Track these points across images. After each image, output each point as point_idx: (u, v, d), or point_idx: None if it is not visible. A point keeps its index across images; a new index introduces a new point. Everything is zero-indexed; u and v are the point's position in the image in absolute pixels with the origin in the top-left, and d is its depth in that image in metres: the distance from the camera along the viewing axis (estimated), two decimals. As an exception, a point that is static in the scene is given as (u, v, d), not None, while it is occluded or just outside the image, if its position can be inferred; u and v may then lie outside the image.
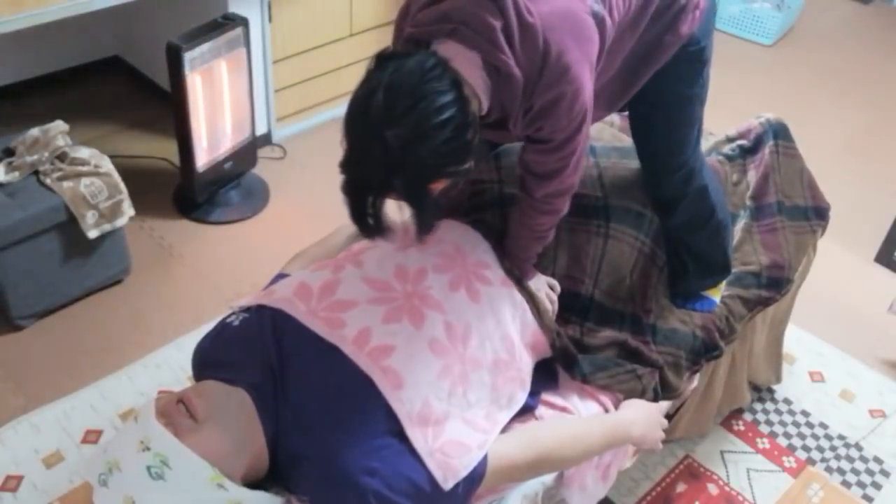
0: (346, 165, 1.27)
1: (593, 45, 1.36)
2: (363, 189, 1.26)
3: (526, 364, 1.58)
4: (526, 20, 1.27)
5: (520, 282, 1.63)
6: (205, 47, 2.58)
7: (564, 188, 1.52)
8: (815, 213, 2.11)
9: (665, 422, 1.67)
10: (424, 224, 1.31)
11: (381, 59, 1.24)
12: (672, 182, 1.78)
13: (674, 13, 1.53)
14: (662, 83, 1.62)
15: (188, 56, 2.52)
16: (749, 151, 2.13)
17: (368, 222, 1.29)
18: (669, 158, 1.76)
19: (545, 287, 1.68)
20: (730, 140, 2.17)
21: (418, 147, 1.19)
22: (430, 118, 1.19)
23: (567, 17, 1.32)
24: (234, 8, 2.84)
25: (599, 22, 1.37)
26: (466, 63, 1.27)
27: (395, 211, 1.36)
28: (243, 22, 2.70)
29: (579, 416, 1.62)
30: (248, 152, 3.01)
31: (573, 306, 1.73)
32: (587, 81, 1.36)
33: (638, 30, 1.51)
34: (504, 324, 1.54)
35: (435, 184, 1.27)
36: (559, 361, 1.65)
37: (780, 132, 2.14)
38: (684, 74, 1.63)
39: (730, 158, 2.11)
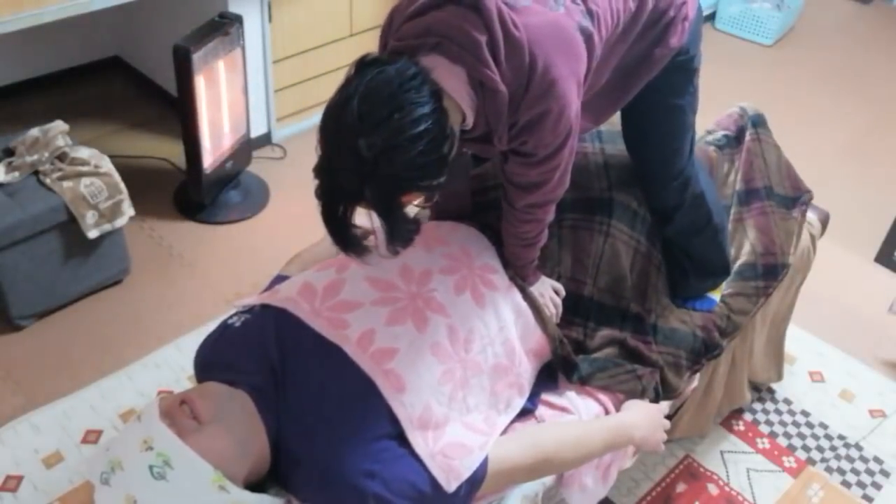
0: (319, 171, 1.22)
1: (580, 61, 1.34)
2: (335, 196, 1.22)
3: (525, 370, 1.57)
4: (512, 34, 1.25)
5: (523, 289, 1.62)
6: (208, 47, 2.58)
7: (547, 200, 1.50)
8: (794, 202, 2.10)
9: (667, 423, 1.67)
10: (395, 236, 1.27)
11: (361, 66, 1.21)
12: (669, 191, 1.78)
13: (663, 26, 1.52)
14: (653, 94, 1.60)
15: (195, 57, 2.52)
16: (735, 140, 2.13)
17: (338, 230, 1.25)
18: (665, 168, 1.75)
19: (549, 291, 1.68)
20: (709, 133, 2.16)
21: (391, 158, 1.16)
22: (404, 130, 1.16)
23: (554, 32, 1.30)
24: (233, 8, 2.84)
25: (587, 38, 1.35)
26: (451, 77, 1.24)
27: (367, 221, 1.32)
28: (238, 20, 2.71)
29: (580, 419, 1.62)
30: (244, 151, 3.03)
31: (577, 309, 1.73)
32: (574, 98, 1.33)
33: (626, 43, 1.49)
34: (507, 329, 1.54)
35: (407, 196, 1.24)
36: (559, 367, 1.65)
37: (757, 121, 2.13)
38: (675, 84, 1.62)
39: (720, 148, 2.11)
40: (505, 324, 1.54)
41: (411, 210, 1.28)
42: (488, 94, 1.27)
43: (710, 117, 2.15)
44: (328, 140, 1.21)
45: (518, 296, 1.59)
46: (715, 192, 1.93)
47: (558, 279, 1.72)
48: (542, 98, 1.29)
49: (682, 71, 1.61)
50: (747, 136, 2.11)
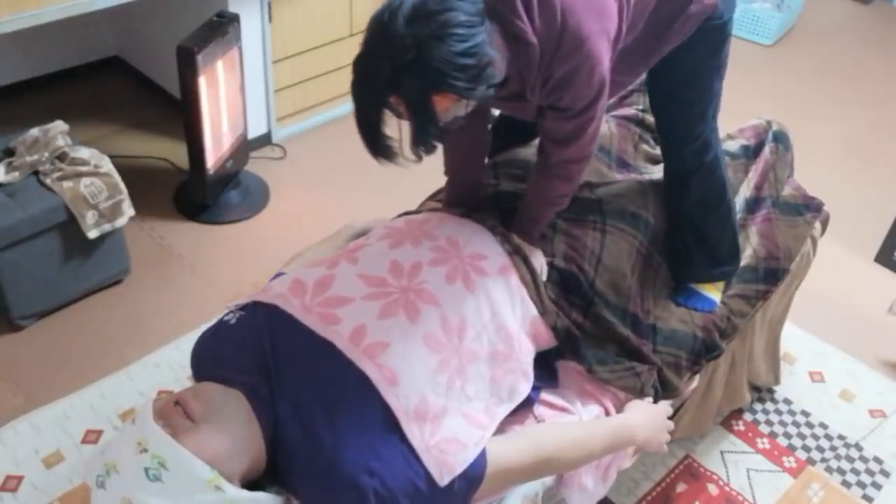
0: (358, 61, 1.28)
1: (610, 17, 1.41)
2: (370, 86, 1.27)
3: (526, 354, 1.57)
4: None
5: (526, 260, 1.63)
6: (209, 47, 2.58)
7: (582, 156, 1.56)
8: (807, 209, 2.14)
9: (670, 424, 1.67)
10: (421, 136, 1.30)
11: None
12: (688, 153, 1.81)
13: None
14: (684, 53, 1.66)
15: (198, 58, 2.52)
16: (754, 152, 2.14)
17: (367, 127, 1.30)
18: (687, 129, 1.79)
19: (540, 263, 1.69)
20: (730, 137, 2.18)
21: (433, 49, 1.21)
22: (451, 25, 1.22)
23: None
24: (233, 8, 2.84)
25: None
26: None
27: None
28: (235, 19, 2.71)
29: (580, 419, 1.61)
30: (243, 150, 3.03)
31: (576, 290, 1.72)
32: (604, 53, 1.41)
33: None
34: (501, 314, 1.54)
35: (440, 96, 1.27)
36: (563, 346, 1.64)
37: (779, 137, 2.18)
38: (707, 46, 1.68)
39: (734, 157, 2.12)
40: (498, 309, 1.54)
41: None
42: (521, 47, 1.35)
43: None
44: (376, 27, 1.25)
45: (511, 277, 1.59)
46: (727, 172, 1.96)
47: (550, 266, 1.71)
48: (572, 55, 1.37)
49: (715, 34, 1.67)
50: (766, 149, 2.13)
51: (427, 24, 1.21)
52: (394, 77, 1.23)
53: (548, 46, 1.36)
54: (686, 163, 1.83)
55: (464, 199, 1.79)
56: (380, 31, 1.24)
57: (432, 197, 1.99)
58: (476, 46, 1.24)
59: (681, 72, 1.70)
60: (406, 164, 1.36)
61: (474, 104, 1.35)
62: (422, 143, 1.31)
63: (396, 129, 1.33)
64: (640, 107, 2.18)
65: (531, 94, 1.44)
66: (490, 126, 1.78)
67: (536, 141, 2.01)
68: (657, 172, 2.01)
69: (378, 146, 1.33)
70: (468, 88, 1.26)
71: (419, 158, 1.34)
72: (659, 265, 1.87)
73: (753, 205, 2.08)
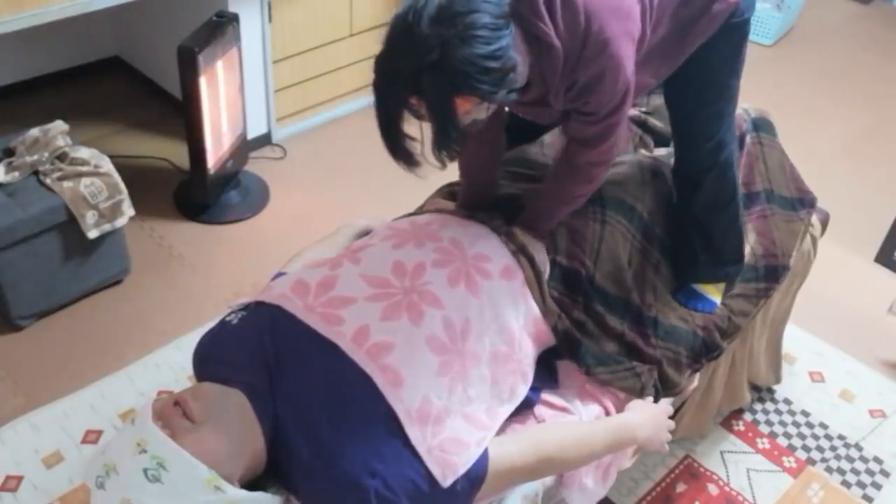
0: (380, 59, 1.28)
1: (633, 20, 1.41)
2: (391, 88, 1.26)
3: (527, 355, 1.57)
4: None
5: (531, 261, 1.62)
6: (210, 47, 2.58)
7: (606, 159, 1.57)
8: (801, 204, 2.11)
9: (671, 423, 1.67)
10: (442, 140, 1.29)
11: None
12: (702, 152, 1.81)
13: None
14: (707, 52, 1.66)
15: (200, 58, 2.52)
16: (740, 145, 2.13)
17: (388, 128, 1.30)
18: (703, 128, 1.79)
19: (543, 260, 1.68)
20: None
21: (458, 49, 1.20)
22: (477, 27, 1.21)
23: None
24: (233, 8, 2.84)
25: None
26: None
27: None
28: (235, 18, 2.71)
29: (581, 419, 1.61)
30: (242, 150, 3.03)
31: (577, 287, 1.72)
32: (628, 56, 1.41)
33: None
34: (503, 316, 1.53)
35: (462, 98, 1.26)
36: (562, 347, 1.64)
37: (760, 125, 2.13)
38: (726, 45, 1.68)
39: None
40: (501, 311, 1.54)
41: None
42: (544, 49, 1.35)
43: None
44: (397, 27, 1.25)
45: (515, 280, 1.59)
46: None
47: (553, 262, 1.72)
48: (597, 58, 1.37)
49: (736, 33, 1.67)
50: (748, 140, 2.11)
51: (452, 25, 1.20)
52: (416, 77, 1.22)
53: (571, 50, 1.36)
54: (701, 162, 1.82)
55: (480, 200, 1.78)
56: (403, 31, 1.23)
57: (438, 192, 1.98)
58: (501, 49, 1.24)
59: (701, 70, 1.70)
60: (426, 171, 1.34)
61: (494, 107, 1.34)
62: (443, 146, 1.29)
63: (418, 134, 1.32)
64: (644, 108, 2.17)
65: (554, 100, 1.43)
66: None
67: (542, 138, 2.02)
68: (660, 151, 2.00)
69: (398, 148, 1.32)
70: (491, 92, 1.26)
71: (443, 165, 1.33)
72: (657, 262, 1.87)
73: (747, 201, 2.05)
